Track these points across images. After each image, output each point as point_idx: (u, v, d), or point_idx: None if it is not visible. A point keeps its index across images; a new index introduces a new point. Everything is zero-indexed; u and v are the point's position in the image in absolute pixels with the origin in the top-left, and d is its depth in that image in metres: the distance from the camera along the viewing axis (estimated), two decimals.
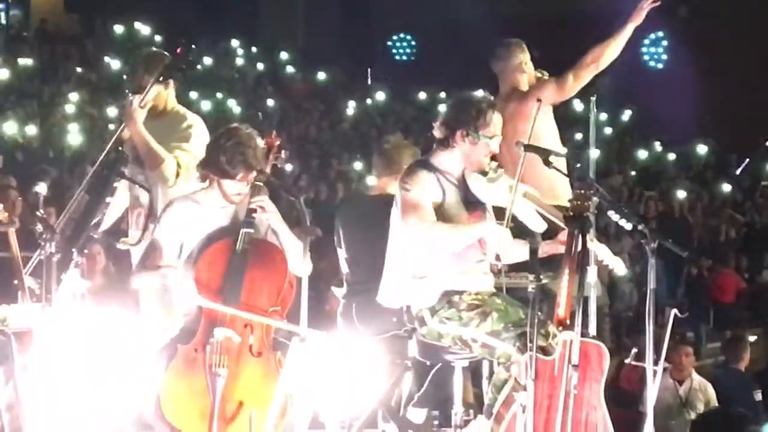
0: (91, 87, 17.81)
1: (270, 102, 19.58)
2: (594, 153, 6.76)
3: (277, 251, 5.14)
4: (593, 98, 6.70)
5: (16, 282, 5.41)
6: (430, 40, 23.72)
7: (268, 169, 5.25)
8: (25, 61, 18.36)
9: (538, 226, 5.06)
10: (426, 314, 4.99)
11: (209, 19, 21.96)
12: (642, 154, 20.30)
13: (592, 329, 6.13)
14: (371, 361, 4.95)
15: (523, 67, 6.57)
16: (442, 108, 5.29)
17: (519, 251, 5.09)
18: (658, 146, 21.05)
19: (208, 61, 20.94)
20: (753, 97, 20.01)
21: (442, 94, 19.35)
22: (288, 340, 4.95)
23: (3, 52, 18.63)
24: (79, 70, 18.59)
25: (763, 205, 18.19)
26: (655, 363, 5.21)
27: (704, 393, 8.78)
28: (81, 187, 5.79)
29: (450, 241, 4.93)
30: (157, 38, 20.20)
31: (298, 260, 4.92)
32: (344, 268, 5.85)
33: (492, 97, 5.23)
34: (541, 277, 4.67)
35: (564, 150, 6.01)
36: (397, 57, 25.39)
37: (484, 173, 5.01)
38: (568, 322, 4.64)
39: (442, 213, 4.95)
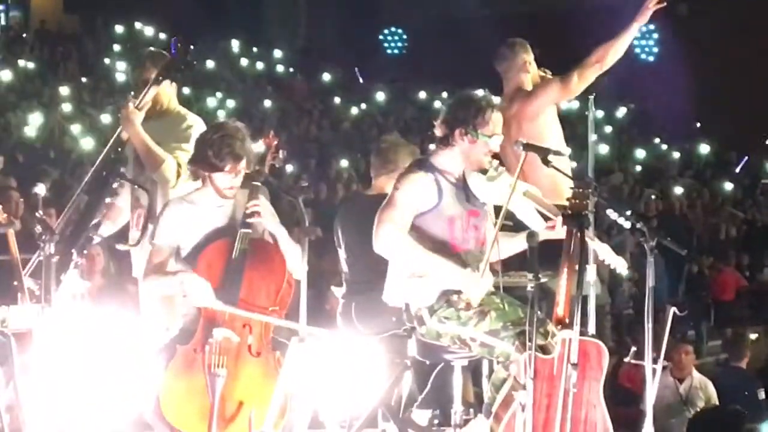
0: (91, 88, 17.83)
1: (267, 103, 19.57)
2: (593, 151, 6.73)
3: (276, 251, 5.13)
4: (591, 97, 6.68)
5: (15, 283, 5.40)
6: (422, 34, 23.73)
7: (266, 169, 5.25)
8: (25, 62, 18.38)
9: (538, 225, 5.06)
10: (425, 313, 4.97)
11: (210, 18, 21.96)
12: (640, 153, 20.28)
13: (592, 328, 6.12)
14: (371, 361, 4.95)
15: (527, 67, 6.57)
16: (437, 104, 5.28)
17: (510, 246, 5.08)
18: (657, 142, 21.04)
19: (208, 61, 20.95)
20: (754, 94, 20.02)
21: (443, 94, 19.34)
22: (287, 340, 4.95)
23: (3, 52, 18.65)
24: (79, 70, 18.61)
25: (764, 202, 18.19)
26: (655, 361, 5.21)
27: (705, 391, 8.78)
28: (80, 188, 5.79)
29: (410, 259, 4.88)
30: (162, 36, 20.23)
31: (297, 263, 4.93)
32: (344, 268, 5.86)
33: (492, 96, 5.22)
34: (540, 275, 4.65)
35: (567, 150, 6.00)
36: (389, 51, 25.41)
37: (484, 172, 5.00)
38: (567, 320, 4.64)
39: (439, 213, 4.95)
